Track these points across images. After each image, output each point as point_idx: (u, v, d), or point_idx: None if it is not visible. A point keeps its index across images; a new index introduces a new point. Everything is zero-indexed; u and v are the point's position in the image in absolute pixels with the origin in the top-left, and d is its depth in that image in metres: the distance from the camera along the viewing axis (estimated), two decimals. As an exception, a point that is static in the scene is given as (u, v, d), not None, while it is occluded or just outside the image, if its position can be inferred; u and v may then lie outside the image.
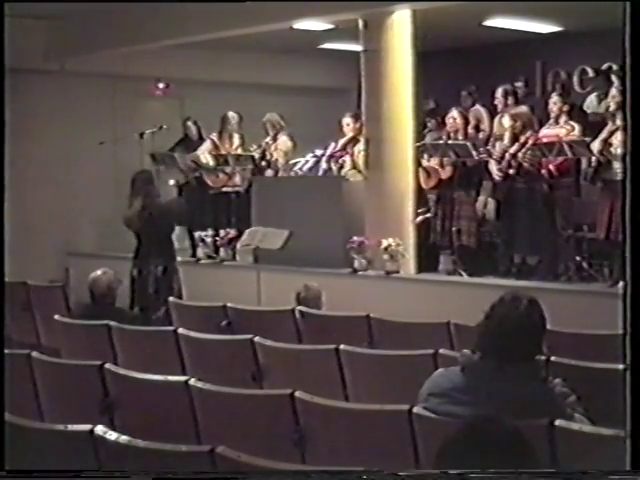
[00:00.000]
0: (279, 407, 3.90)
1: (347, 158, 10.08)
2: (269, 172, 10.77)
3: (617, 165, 7.88)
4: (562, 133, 8.60)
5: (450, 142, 9.17)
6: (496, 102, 9.87)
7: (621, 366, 2.94)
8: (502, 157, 8.85)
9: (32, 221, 11.19)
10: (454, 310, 6.51)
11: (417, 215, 9.21)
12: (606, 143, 8.08)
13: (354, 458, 3.66)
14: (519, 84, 11.34)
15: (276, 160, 10.71)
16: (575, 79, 11.62)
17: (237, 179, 10.96)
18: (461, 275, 8.88)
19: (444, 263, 9.15)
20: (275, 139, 10.76)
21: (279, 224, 8.69)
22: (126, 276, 7.76)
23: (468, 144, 9.02)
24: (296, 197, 9.67)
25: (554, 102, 8.82)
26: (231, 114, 10.99)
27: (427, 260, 9.25)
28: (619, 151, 7.78)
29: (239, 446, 3.01)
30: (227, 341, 5.72)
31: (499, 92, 9.81)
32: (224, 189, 10.98)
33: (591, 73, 11.42)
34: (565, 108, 8.78)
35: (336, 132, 10.33)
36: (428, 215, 9.28)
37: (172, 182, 11.10)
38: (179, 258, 8.60)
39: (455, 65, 11.79)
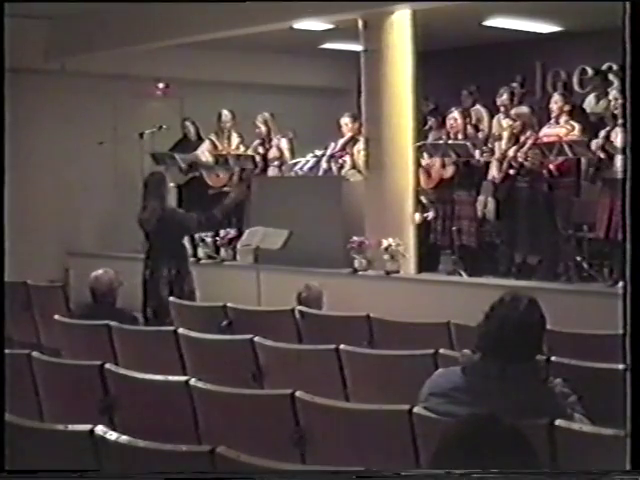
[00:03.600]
0: (279, 407, 3.90)
1: (347, 158, 10.09)
2: (269, 172, 10.78)
3: (617, 164, 7.89)
4: (562, 133, 8.60)
5: (450, 142, 9.17)
6: (499, 103, 9.87)
7: (621, 366, 2.94)
8: (502, 157, 8.86)
9: (32, 221, 11.19)
10: (454, 310, 6.51)
11: (423, 219, 9.22)
12: (607, 141, 8.08)
13: (354, 458, 3.66)
14: (516, 84, 11.34)
15: (274, 160, 10.72)
16: (575, 79, 11.62)
17: (237, 179, 10.96)
18: (461, 275, 8.88)
19: (444, 263, 9.15)
20: (273, 140, 10.77)
21: (279, 224, 8.69)
22: (126, 276, 7.75)
23: (468, 144, 9.03)
24: (296, 197, 9.67)
25: (555, 101, 8.82)
26: (225, 112, 11.01)
27: (427, 260, 9.26)
28: (619, 146, 7.79)
29: (239, 446, 3.01)
30: (227, 341, 5.72)
31: (504, 93, 9.80)
32: (224, 189, 10.99)
33: (591, 73, 11.43)
34: (566, 108, 8.78)
35: (336, 132, 10.34)
36: (430, 214, 9.27)
37: (172, 184, 11.10)
38: (191, 259, 8.61)
39: (455, 65, 11.80)
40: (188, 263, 8.14)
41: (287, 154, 10.68)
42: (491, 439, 2.32)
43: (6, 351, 3.90)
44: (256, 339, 5.31)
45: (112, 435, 3.23)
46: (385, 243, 8.89)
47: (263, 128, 10.82)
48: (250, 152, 10.84)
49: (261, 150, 10.84)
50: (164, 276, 7.80)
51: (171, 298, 7.37)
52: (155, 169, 10.20)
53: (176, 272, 7.83)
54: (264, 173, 10.79)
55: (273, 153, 10.77)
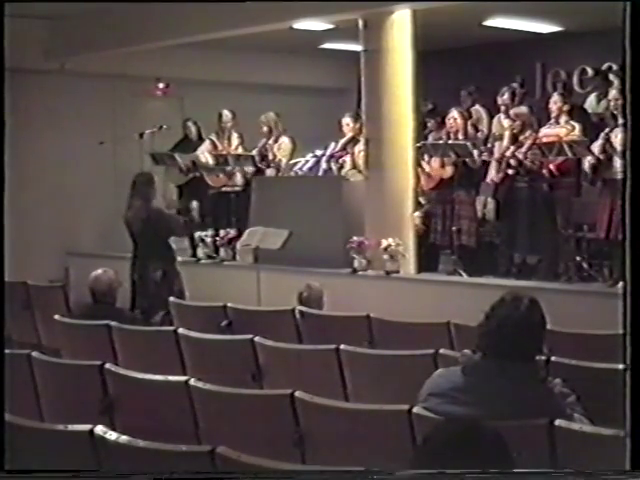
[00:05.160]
0: (279, 407, 3.90)
1: (347, 158, 10.09)
2: (269, 172, 10.78)
3: (617, 164, 7.89)
4: (562, 133, 8.60)
5: (450, 142, 9.17)
6: (501, 102, 9.86)
7: (621, 366, 2.94)
8: (502, 157, 8.86)
9: (32, 221, 11.19)
10: (454, 310, 6.51)
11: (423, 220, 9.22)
12: (607, 142, 8.08)
13: (354, 458, 3.66)
14: (516, 84, 11.35)
15: (276, 160, 10.72)
16: (575, 79, 11.62)
17: (237, 179, 10.97)
18: (461, 275, 8.88)
19: (444, 263, 9.15)
20: (277, 139, 10.77)
21: (279, 224, 8.69)
22: (126, 277, 7.76)
23: (468, 144, 9.02)
24: (296, 197, 9.67)
25: (554, 101, 8.82)
26: (225, 112, 11.01)
27: (427, 260, 9.25)
28: (619, 149, 7.79)
29: (239, 446, 3.01)
30: (227, 341, 5.72)
31: (506, 93, 9.80)
32: (224, 189, 11.00)
33: (591, 73, 11.43)
34: (565, 108, 8.78)
35: (336, 132, 10.34)
36: (417, 213, 9.24)
37: (172, 184, 11.12)
38: (179, 258, 8.60)
39: (455, 65, 11.80)
40: (176, 264, 8.13)
41: (287, 154, 10.68)
42: (467, 442, 2.33)
43: (6, 351, 3.90)
44: (256, 339, 5.31)
45: (112, 435, 3.23)
46: (385, 243, 8.89)
47: (266, 128, 10.82)
48: (255, 152, 10.83)
49: (265, 150, 10.83)
50: (151, 278, 7.81)
51: (171, 298, 7.37)
52: (154, 169, 10.23)
53: (162, 273, 7.83)
54: (264, 173, 10.79)
55: (275, 153, 10.77)
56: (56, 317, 6.37)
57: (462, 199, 9.18)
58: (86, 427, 3.29)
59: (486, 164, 9.08)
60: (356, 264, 9.13)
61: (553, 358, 4.37)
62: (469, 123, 9.58)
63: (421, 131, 9.67)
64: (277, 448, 3.83)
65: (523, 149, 8.70)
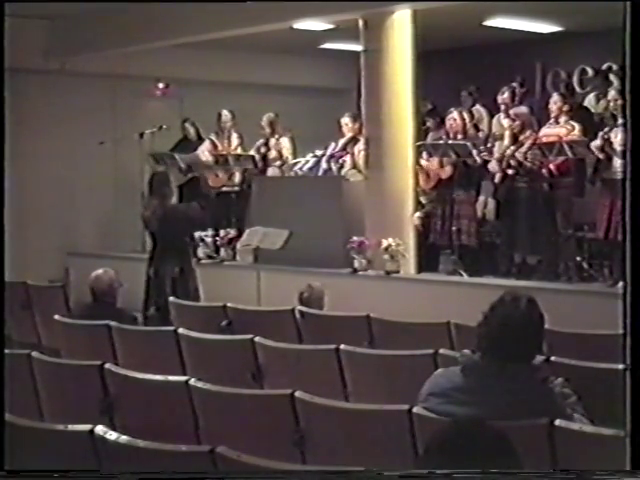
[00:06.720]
0: (279, 407, 3.90)
1: (347, 158, 10.09)
2: (270, 172, 10.79)
3: (617, 164, 7.89)
4: (562, 133, 8.60)
5: (450, 142, 9.17)
6: (500, 101, 9.86)
7: (621, 366, 2.94)
8: (502, 157, 8.86)
9: (32, 221, 11.20)
10: (454, 310, 6.50)
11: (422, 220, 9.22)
12: (606, 141, 8.08)
13: (354, 458, 3.66)
14: (516, 84, 11.34)
15: (276, 160, 10.73)
16: (575, 79, 11.62)
17: (237, 179, 10.98)
18: (461, 275, 8.88)
19: (444, 263, 9.15)
20: (277, 140, 10.78)
21: (279, 224, 8.69)
22: (126, 276, 7.75)
23: (468, 144, 9.02)
24: (296, 197, 9.67)
25: (554, 102, 8.82)
26: (224, 112, 11.02)
27: (427, 260, 9.25)
28: (619, 149, 7.79)
29: (239, 446, 3.01)
30: (227, 341, 5.72)
31: (506, 92, 9.80)
32: (224, 189, 11.00)
33: (591, 73, 11.43)
34: (565, 108, 8.77)
35: (336, 132, 10.34)
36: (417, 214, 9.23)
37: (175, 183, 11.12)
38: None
39: (455, 65, 11.80)
40: (191, 261, 8.17)
41: (289, 154, 10.69)
42: (475, 443, 2.33)
43: (6, 351, 3.90)
44: (256, 339, 5.31)
45: (112, 435, 3.23)
46: (385, 243, 8.89)
47: (267, 129, 10.82)
48: (253, 151, 10.85)
49: (264, 150, 10.85)
50: (168, 274, 7.83)
51: (171, 298, 7.37)
52: (155, 169, 10.23)
53: (180, 270, 7.86)
54: (264, 173, 10.80)
55: (275, 153, 10.78)
56: (56, 317, 6.37)
57: (462, 199, 9.18)
58: (86, 427, 3.29)
59: (485, 163, 9.07)
60: (356, 264, 9.13)
61: (553, 358, 4.38)
62: (470, 123, 9.58)
63: (421, 131, 9.67)
64: (277, 448, 3.82)
65: (523, 149, 8.70)
